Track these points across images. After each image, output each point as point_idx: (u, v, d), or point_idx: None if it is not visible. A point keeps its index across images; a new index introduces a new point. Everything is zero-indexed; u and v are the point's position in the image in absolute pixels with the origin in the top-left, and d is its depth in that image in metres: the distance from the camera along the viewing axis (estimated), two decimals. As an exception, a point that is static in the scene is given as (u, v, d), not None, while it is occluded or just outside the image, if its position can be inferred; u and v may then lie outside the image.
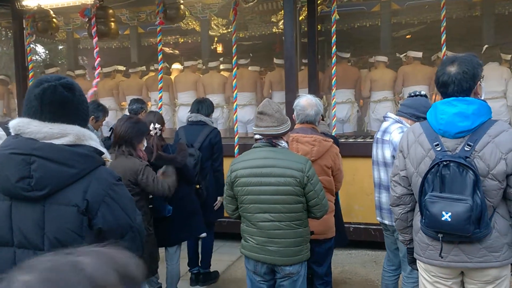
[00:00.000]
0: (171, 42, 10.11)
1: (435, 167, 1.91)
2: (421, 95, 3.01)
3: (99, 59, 5.03)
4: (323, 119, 4.23)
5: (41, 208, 1.37)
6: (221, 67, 6.97)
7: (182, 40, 10.03)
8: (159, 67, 5.21)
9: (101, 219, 1.39)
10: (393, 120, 2.97)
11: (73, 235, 1.37)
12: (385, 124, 3.01)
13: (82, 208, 1.38)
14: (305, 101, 2.98)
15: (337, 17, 4.71)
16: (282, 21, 8.18)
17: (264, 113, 2.52)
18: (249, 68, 6.69)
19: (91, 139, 1.47)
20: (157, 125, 3.33)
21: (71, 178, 1.38)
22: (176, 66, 7.37)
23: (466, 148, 1.88)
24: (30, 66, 6.02)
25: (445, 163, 1.88)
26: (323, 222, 2.96)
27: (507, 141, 1.88)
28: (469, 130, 1.90)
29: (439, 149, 1.94)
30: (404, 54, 6.41)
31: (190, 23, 9.61)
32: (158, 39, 5.17)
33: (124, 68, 7.61)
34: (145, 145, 3.06)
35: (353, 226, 4.97)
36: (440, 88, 2.02)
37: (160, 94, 5.29)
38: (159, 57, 5.18)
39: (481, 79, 2.02)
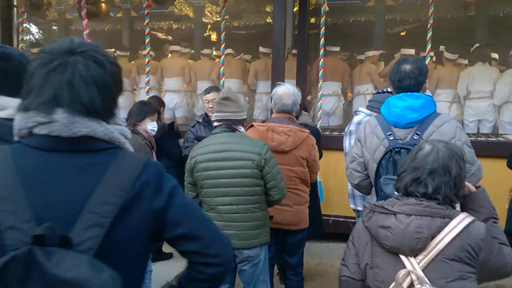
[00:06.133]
0: (165, 28, 9.99)
1: (388, 153, 2.16)
2: (387, 92, 3.17)
3: (89, 41, 4.92)
4: (306, 111, 4.23)
5: None
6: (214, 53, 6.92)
7: (176, 26, 9.91)
8: (146, 51, 5.14)
9: None
10: (365, 114, 3.12)
11: None
12: (357, 118, 3.16)
13: None
14: (283, 90, 2.96)
15: (327, 8, 4.67)
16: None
17: (229, 99, 2.58)
18: (239, 56, 6.63)
19: None
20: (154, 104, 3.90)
21: None
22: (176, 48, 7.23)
23: (415, 137, 2.12)
24: (20, 46, 5.91)
25: (396, 149, 2.14)
26: (296, 212, 2.97)
27: (449, 130, 2.12)
28: (417, 121, 2.14)
29: (391, 138, 2.18)
30: (398, 53, 6.39)
31: (183, 9, 9.52)
32: (146, 22, 5.10)
33: (113, 51, 7.51)
34: (153, 126, 3.41)
35: (332, 218, 4.98)
36: (396, 83, 2.24)
37: (147, 78, 5.23)
38: (147, 41, 5.11)
39: (427, 80, 2.32)
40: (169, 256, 4.43)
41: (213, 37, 9.60)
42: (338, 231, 4.83)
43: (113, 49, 7.55)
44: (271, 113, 3.17)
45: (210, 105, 3.67)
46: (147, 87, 5.20)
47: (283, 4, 4.60)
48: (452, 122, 2.16)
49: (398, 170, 1.69)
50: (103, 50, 1.06)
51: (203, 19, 9.25)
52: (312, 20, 7.34)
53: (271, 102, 3.05)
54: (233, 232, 2.51)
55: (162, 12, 9.25)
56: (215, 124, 2.64)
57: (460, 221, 1.51)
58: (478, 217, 1.61)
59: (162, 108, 4.80)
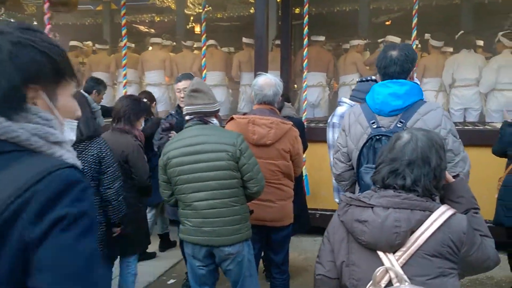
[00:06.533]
0: (147, 20, 9.82)
1: (369, 141, 2.10)
2: (372, 80, 3.06)
3: (51, 34, 4.76)
4: (289, 102, 4.10)
5: None
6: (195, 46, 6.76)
7: (158, 19, 9.75)
8: (123, 43, 4.95)
9: None
10: (348, 105, 3.00)
11: None
12: (341, 109, 3.04)
13: None
14: (263, 80, 2.83)
15: (310, -5, 4.52)
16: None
17: (199, 91, 2.47)
18: (222, 48, 6.48)
19: None
20: (147, 102, 3.99)
21: None
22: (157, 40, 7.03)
23: (398, 125, 2.05)
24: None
25: (377, 137, 2.07)
26: (280, 208, 2.86)
27: (434, 119, 2.04)
28: (401, 109, 2.07)
29: (375, 126, 2.11)
30: (382, 40, 6.30)
31: (165, 1, 9.33)
32: (122, 13, 4.90)
33: (91, 44, 7.30)
34: (143, 125, 3.19)
35: (319, 212, 4.89)
36: (382, 70, 2.17)
37: (125, 72, 5.06)
38: (123, 32, 4.92)
39: (415, 67, 2.24)
40: (152, 255, 4.31)
41: (197, 29, 9.45)
42: (325, 225, 4.72)
43: (91, 43, 7.32)
44: None
45: (182, 95, 3.33)
46: (124, 81, 5.02)
47: (264, -6, 4.46)
48: (438, 110, 2.09)
49: (378, 160, 1.59)
50: (40, 35, 0.88)
51: (185, 10, 9.06)
52: (297, 10, 7.23)
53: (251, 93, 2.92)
54: (211, 229, 2.42)
55: (143, 4, 9.11)
56: (187, 117, 2.53)
57: (441, 214, 1.42)
58: (458, 209, 1.53)
59: (154, 103, 4.63)
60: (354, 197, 1.53)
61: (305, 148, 3.39)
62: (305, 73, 4.67)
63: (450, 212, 1.44)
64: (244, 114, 3.01)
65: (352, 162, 2.30)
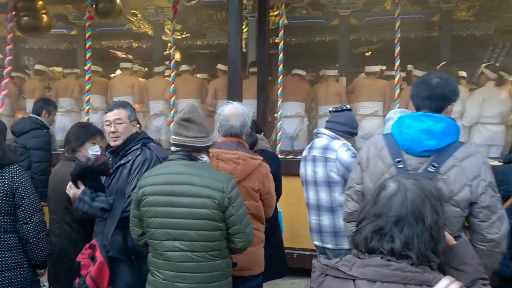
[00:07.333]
0: (124, 46, 9.63)
1: None
2: (347, 109, 2.94)
3: (10, 57, 4.47)
4: (261, 132, 3.78)
5: None
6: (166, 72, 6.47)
7: (136, 45, 9.57)
8: (87, 67, 4.62)
9: None
10: (328, 136, 2.88)
11: None
12: (321, 141, 2.87)
13: None
14: (230, 109, 2.52)
15: (285, 21, 4.33)
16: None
17: (191, 121, 2.13)
18: (198, 75, 6.24)
19: None
20: None
21: None
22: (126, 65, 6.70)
23: (430, 169, 1.77)
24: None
25: None
26: (249, 255, 2.48)
27: (474, 167, 1.75)
28: (435, 149, 1.78)
29: (401, 166, 1.81)
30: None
31: (142, 26, 9.18)
32: (87, 35, 4.58)
33: (61, 69, 6.95)
34: (96, 151, 2.95)
35: (297, 252, 4.56)
36: (417, 100, 1.89)
37: (88, 97, 4.69)
38: (87, 55, 4.59)
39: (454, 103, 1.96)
40: None
41: (178, 56, 9.33)
42: (304, 266, 4.38)
43: (61, 68, 6.97)
44: None
45: (112, 129, 2.57)
46: (87, 107, 4.65)
47: (238, 18, 4.27)
48: (477, 156, 1.80)
49: (360, 215, 1.27)
50: None
51: (162, 37, 8.88)
52: (277, 39, 7.10)
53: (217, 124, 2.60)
54: (187, 285, 2.07)
55: (121, 30, 8.93)
56: (172, 148, 2.19)
57: None
58: (463, 278, 1.24)
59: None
60: (330, 264, 1.20)
61: (278, 187, 3.06)
62: (279, 101, 4.38)
63: (456, 286, 1.10)
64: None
65: None
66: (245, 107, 2.61)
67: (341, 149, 2.81)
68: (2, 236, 2.27)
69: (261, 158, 2.56)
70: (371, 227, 1.19)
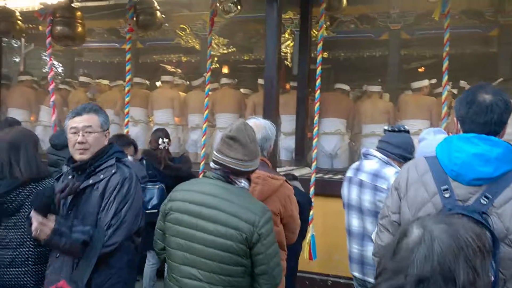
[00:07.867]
0: (174, 60, 9.88)
1: None
2: (404, 130, 2.65)
3: (51, 61, 4.61)
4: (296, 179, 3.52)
5: None
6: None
7: (185, 59, 9.79)
8: (126, 79, 4.67)
9: None
10: (379, 160, 2.63)
11: None
12: (371, 165, 2.65)
13: None
14: (252, 122, 2.34)
15: (325, 33, 4.12)
16: (288, 43, 7.84)
17: (236, 140, 1.90)
18: (241, 90, 6.16)
19: None
20: (165, 139, 3.89)
21: None
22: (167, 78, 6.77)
23: (482, 201, 1.53)
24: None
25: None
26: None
27: None
28: (489, 178, 1.53)
29: (447, 195, 1.57)
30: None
31: (190, 41, 9.38)
32: (128, 47, 4.64)
33: (107, 82, 7.17)
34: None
35: (331, 279, 4.26)
36: (467, 118, 1.62)
37: (127, 110, 4.73)
38: (127, 68, 4.64)
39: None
40: None
41: (224, 70, 9.44)
42: (338, 294, 4.10)
43: (107, 80, 7.19)
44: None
45: (80, 139, 2.05)
46: (126, 119, 4.69)
47: (276, 31, 4.14)
48: None
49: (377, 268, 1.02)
50: None
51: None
52: (325, 54, 6.91)
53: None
54: None
55: (169, 44, 9.13)
56: (211, 165, 1.98)
57: None
58: None
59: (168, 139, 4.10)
60: None
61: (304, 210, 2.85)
62: (316, 117, 4.17)
63: None
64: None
65: None
66: (268, 122, 2.44)
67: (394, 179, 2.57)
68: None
69: (284, 178, 2.35)
70: (388, 285, 0.94)
